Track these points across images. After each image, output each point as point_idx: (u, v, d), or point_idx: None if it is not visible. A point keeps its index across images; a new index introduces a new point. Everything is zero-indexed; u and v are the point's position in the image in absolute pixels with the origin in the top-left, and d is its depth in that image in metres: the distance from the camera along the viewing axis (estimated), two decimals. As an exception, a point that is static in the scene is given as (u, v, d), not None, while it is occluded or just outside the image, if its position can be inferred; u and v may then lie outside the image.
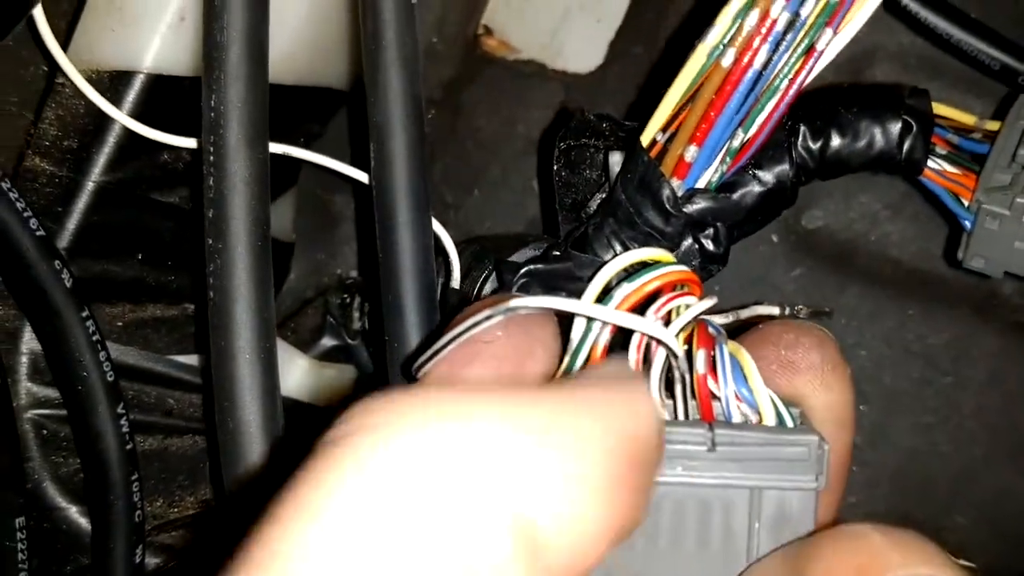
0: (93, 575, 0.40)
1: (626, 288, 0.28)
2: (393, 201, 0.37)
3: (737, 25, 0.32)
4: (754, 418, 0.27)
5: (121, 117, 0.41)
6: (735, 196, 0.35)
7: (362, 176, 0.43)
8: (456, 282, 0.44)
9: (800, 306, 0.43)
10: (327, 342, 0.48)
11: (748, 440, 0.26)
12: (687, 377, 0.27)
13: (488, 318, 0.25)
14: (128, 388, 0.42)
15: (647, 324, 0.27)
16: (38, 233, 0.37)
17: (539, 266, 0.37)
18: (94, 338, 0.38)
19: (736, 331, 0.31)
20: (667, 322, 0.28)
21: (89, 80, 0.41)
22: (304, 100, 0.48)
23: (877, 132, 0.37)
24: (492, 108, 0.56)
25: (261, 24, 0.36)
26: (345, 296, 0.50)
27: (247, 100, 0.36)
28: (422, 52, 0.55)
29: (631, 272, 0.29)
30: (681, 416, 0.27)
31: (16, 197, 0.36)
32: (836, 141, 0.37)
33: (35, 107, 0.45)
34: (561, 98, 0.55)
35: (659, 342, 0.27)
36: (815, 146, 0.37)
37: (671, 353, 0.27)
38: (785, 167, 0.36)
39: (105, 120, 0.41)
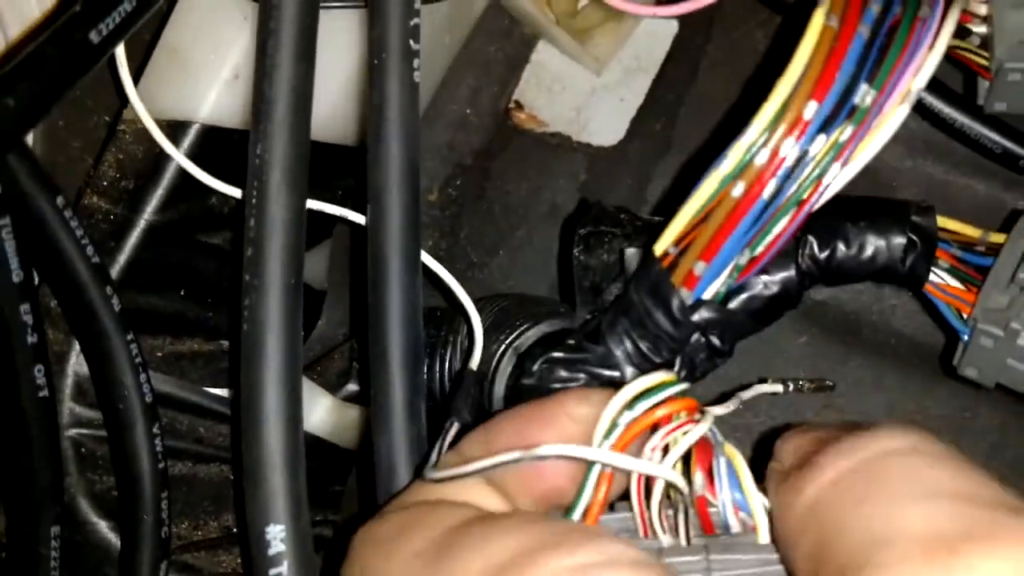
0: (119, 587, 0.43)
1: (627, 420, 0.30)
2: (386, 259, 0.40)
3: (748, 159, 0.34)
4: (751, 523, 0.28)
5: (181, 158, 0.45)
6: (742, 297, 0.39)
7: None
8: (476, 360, 0.46)
9: (803, 381, 0.45)
10: (352, 387, 0.51)
11: (742, 563, 0.27)
12: (688, 498, 0.28)
13: (517, 460, 0.28)
14: (163, 414, 0.46)
15: (660, 470, 0.28)
16: (93, 260, 0.41)
17: (559, 355, 0.41)
18: (136, 360, 0.42)
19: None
20: (666, 450, 0.29)
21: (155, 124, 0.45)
22: (340, 158, 0.52)
23: (882, 246, 0.39)
24: (520, 175, 0.60)
25: (306, 84, 0.40)
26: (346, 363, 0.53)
27: (290, 150, 0.39)
28: (456, 123, 0.60)
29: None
30: (682, 530, 0.28)
31: (76, 226, 0.40)
32: (841, 252, 0.40)
33: (95, 151, 0.50)
34: (585, 167, 0.59)
35: (670, 485, 0.29)
36: (821, 256, 0.40)
37: (676, 490, 0.28)
38: (791, 274, 0.39)
39: (161, 163, 0.46)
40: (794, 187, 0.35)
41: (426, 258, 0.44)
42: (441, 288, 0.48)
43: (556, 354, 0.41)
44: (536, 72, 0.61)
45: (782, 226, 0.36)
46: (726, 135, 0.36)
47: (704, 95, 0.58)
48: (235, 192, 0.47)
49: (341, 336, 0.57)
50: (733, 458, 0.28)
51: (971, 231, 0.42)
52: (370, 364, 0.40)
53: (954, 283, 0.40)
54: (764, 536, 0.27)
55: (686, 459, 0.29)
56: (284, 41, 0.39)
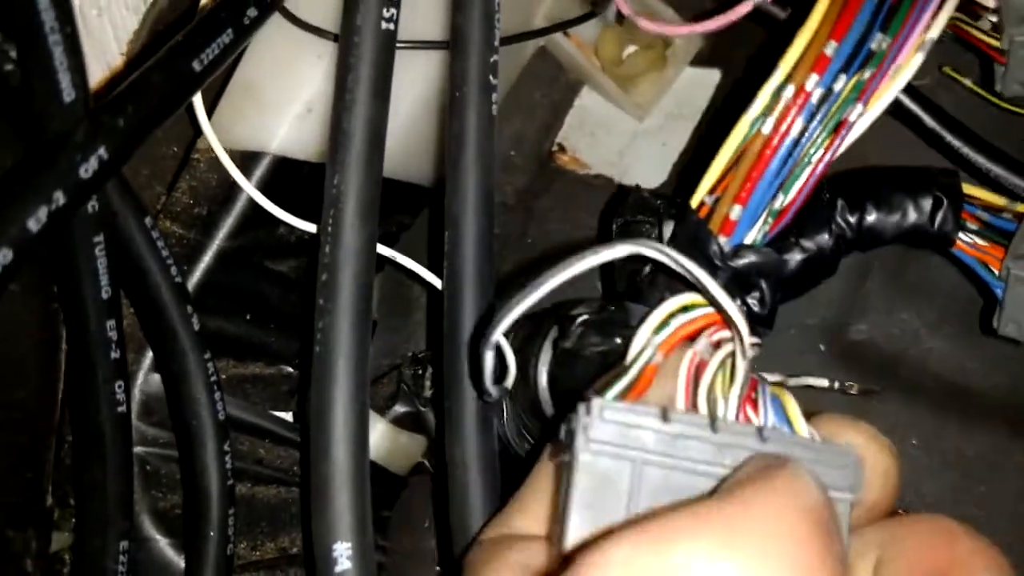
0: (181, 603, 0.44)
1: (680, 319, 0.31)
2: (461, 283, 0.42)
3: (775, 98, 0.37)
4: None
5: (250, 189, 0.47)
6: (781, 258, 0.40)
7: (433, 278, 0.49)
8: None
9: (851, 383, 0.47)
10: (399, 408, 0.53)
11: (796, 441, 0.27)
12: (740, 385, 0.28)
13: (613, 250, 0.30)
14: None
15: (731, 307, 0.29)
16: (176, 280, 0.43)
17: (594, 316, 0.41)
18: (212, 379, 0.43)
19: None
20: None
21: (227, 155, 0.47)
22: (399, 193, 0.55)
23: (910, 206, 0.41)
24: (562, 215, 0.62)
25: (381, 119, 0.43)
26: (418, 368, 0.55)
27: (363, 181, 0.42)
28: (500, 163, 0.62)
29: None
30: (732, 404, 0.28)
31: (162, 246, 0.42)
32: (872, 214, 0.41)
33: (164, 179, 0.52)
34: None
35: (730, 323, 0.29)
36: (852, 218, 0.41)
37: (739, 337, 0.29)
38: (825, 236, 0.41)
39: (233, 192, 0.48)
40: (821, 126, 0.37)
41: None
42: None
43: (591, 316, 0.41)
44: (580, 116, 0.64)
45: (811, 168, 0.38)
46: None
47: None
48: (301, 224, 0.49)
49: (386, 366, 0.59)
50: (782, 394, 0.29)
51: (997, 199, 0.43)
52: (444, 380, 0.42)
53: (983, 242, 0.42)
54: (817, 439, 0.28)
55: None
56: (362, 77, 0.41)
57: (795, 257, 0.40)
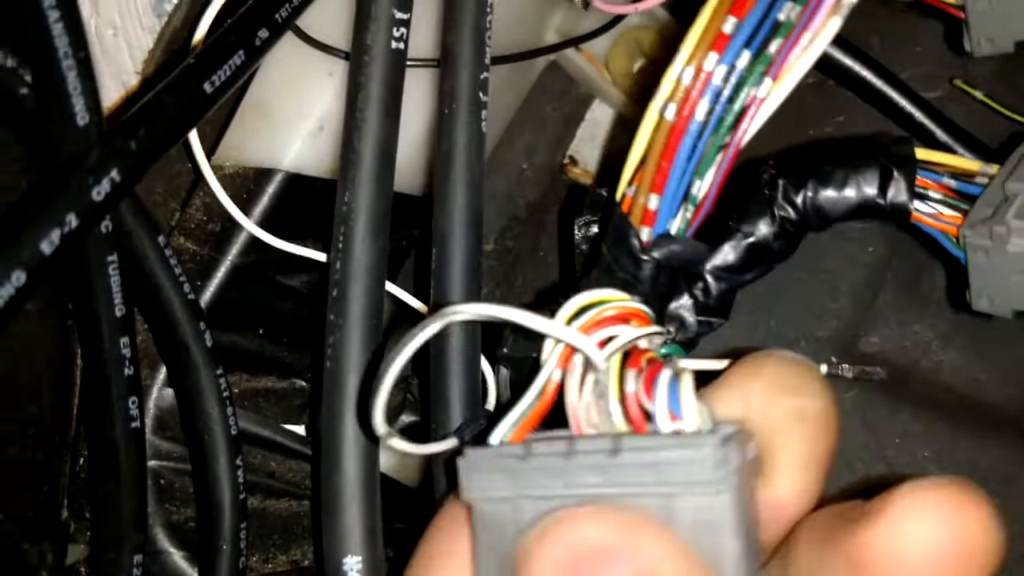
0: (194, 616, 0.45)
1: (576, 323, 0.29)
2: (448, 300, 0.42)
3: (678, 82, 0.36)
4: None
5: (250, 225, 0.48)
6: (721, 248, 0.39)
7: (418, 304, 0.49)
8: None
9: (845, 366, 0.46)
10: (406, 418, 0.54)
11: (654, 444, 0.25)
12: (609, 393, 0.27)
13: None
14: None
15: (564, 331, 0.27)
16: (189, 296, 0.43)
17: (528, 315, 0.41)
18: (224, 394, 0.44)
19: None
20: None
21: (236, 172, 0.48)
22: (409, 207, 0.55)
23: (857, 180, 0.39)
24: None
25: (391, 137, 0.43)
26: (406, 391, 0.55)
27: (375, 198, 0.42)
28: (512, 176, 0.62)
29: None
30: (595, 414, 0.27)
31: (175, 263, 0.43)
32: (816, 192, 0.40)
33: (178, 197, 0.53)
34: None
35: (574, 349, 0.27)
36: (797, 199, 0.40)
37: (588, 361, 0.27)
38: (767, 220, 0.40)
39: (246, 209, 0.48)
40: (727, 106, 0.36)
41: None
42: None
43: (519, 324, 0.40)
44: (591, 129, 0.64)
45: (724, 149, 0.36)
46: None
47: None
48: (307, 253, 0.49)
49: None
50: (681, 374, 0.26)
51: (969, 163, 0.40)
52: (431, 402, 0.42)
53: (948, 211, 0.39)
54: (688, 426, 0.26)
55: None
56: (372, 97, 0.42)
57: (737, 243, 0.40)
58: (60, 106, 0.35)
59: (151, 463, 0.47)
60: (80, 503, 0.47)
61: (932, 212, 0.39)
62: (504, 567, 0.27)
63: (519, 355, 0.42)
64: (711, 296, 0.40)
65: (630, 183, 0.38)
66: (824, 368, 0.39)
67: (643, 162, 0.38)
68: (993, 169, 0.39)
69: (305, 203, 0.49)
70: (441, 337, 0.42)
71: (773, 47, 0.36)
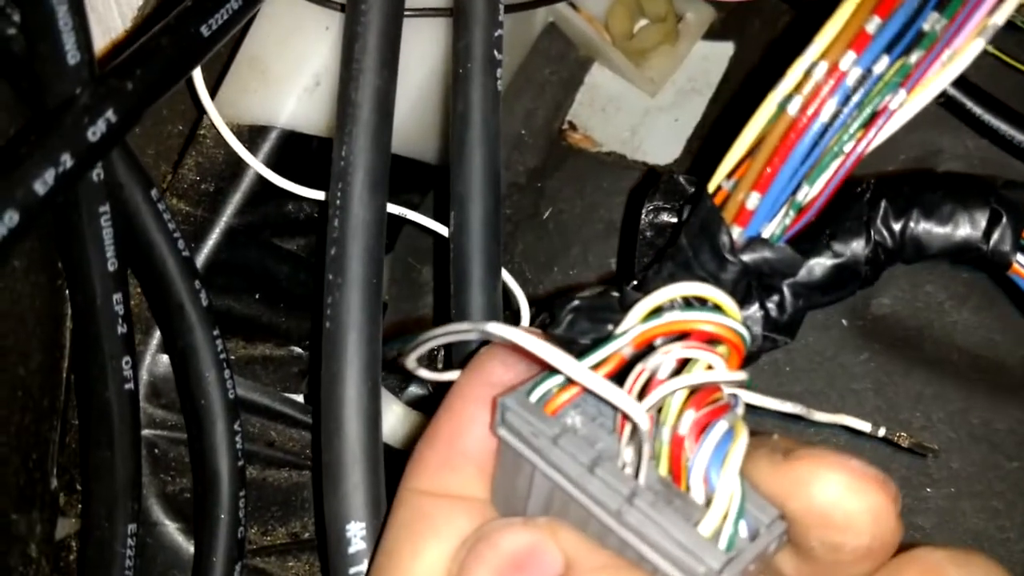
0: (192, 587, 0.43)
1: (649, 324, 0.28)
2: (468, 263, 0.41)
3: (807, 76, 0.33)
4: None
5: (257, 164, 0.46)
6: (806, 262, 0.36)
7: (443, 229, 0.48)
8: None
9: (902, 434, 0.43)
10: (414, 390, 0.52)
11: (657, 527, 0.25)
12: (663, 439, 0.27)
13: (465, 331, 0.29)
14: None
15: (615, 395, 0.26)
16: (184, 253, 0.42)
17: (587, 300, 0.39)
18: (221, 357, 0.43)
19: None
20: (679, 370, 0.27)
21: (231, 132, 0.47)
22: (408, 171, 0.54)
23: (963, 218, 0.37)
24: (574, 193, 0.61)
25: (389, 89, 0.42)
26: (433, 348, 0.54)
27: (373, 153, 0.41)
28: (511, 142, 0.61)
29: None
30: (633, 457, 0.27)
31: (168, 219, 0.42)
32: (918, 223, 0.37)
33: (170, 160, 0.51)
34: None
35: (626, 416, 0.26)
36: (896, 225, 0.37)
37: (635, 426, 0.26)
38: (862, 242, 0.37)
39: (240, 168, 0.47)
40: (856, 111, 0.33)
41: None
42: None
43: (581, 302, 0.38)
44: (590, 93, 0.63)
45: (841, 159, 0.34)
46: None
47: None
48: (312, 194, 0.48)
49: (396, 350, 0.58)
50: (737, 433, 0.26)
51: None
52: (452, 362, 0.41)
53: None
54: (707, 524, 0.25)
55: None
56: (370, 46, 0.41)
57: (824, 261, 0.37)
58: (50, 44, 0.34)
59: (145, 432, 0.45)
60: (71, 475, 0.46)
61: None
62: (512, 495, 0.29)
63: (571, 337, 0.40)
64: (785, 312, 0.37)
65: (729, 175, 0.35)
66: (867, 428, 0.37)
67: (750, 155, 0.35)
68: None
69: (301, 162, 0.48)
70: (463, 300, 0.41)
71: (914, 57, 0.34)
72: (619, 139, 0.62)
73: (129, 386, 0.41)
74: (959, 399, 0.53)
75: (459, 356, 0.41)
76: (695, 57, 0.61)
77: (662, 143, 0.61)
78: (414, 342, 0.32)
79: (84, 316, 0.39)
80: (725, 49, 0.61)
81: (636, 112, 0.62)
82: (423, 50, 0.50)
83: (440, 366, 0.54)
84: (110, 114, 0.34)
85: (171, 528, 0.46)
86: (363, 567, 0.37)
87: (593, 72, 0.63)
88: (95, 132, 0.33)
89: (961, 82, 0.51)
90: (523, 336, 0.27)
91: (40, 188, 0.31)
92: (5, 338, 0.41)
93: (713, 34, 0.61)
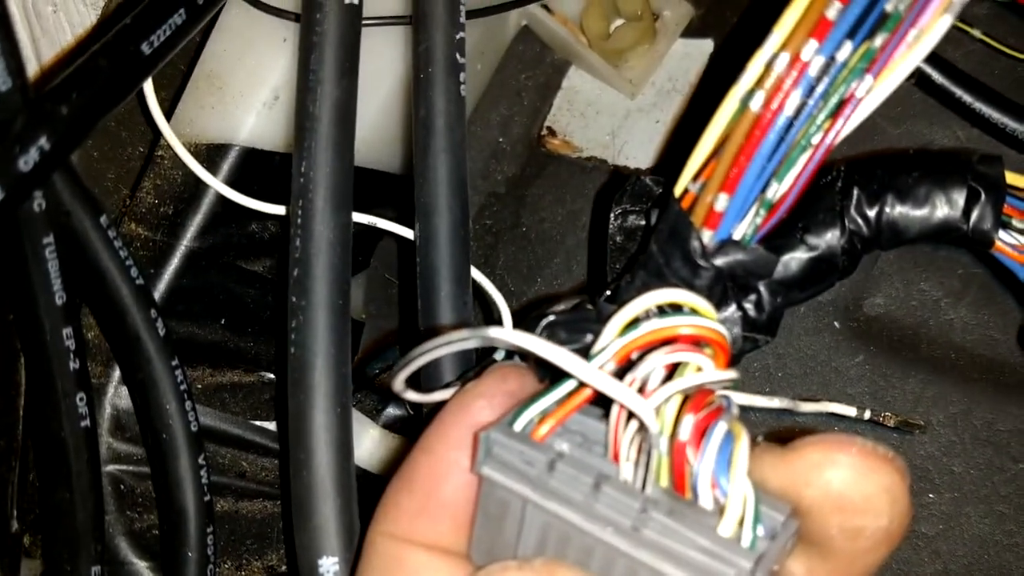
0: (162, 630, 0.42)
1: (628, 336, 0.27)
2: (436, 276, 0.40)
3: (767, 69, 0.32)
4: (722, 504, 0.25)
5: (217, 184, 0.45)
6: (782, 258, 0.35)
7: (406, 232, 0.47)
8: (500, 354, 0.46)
9: (887, 413, 0.42)
10: (392, 411, 0.51)
11: (678, 536, 0.25)
12: (661, 450, 0.26)
13: (464, 339, 0.27)
14: (205, 448, 0.45)
15: (624, 393, 0.25)
16: (137, 282, 0.40)
17: (564, 315, 0.37)
18: (182, 387, 0.41)
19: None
20: (669, 377, 0.26)
21: (189, 149, 0.45)
22: (377, 185, 0.52)
23: (940, 199, 0.35)
24: (556, 201, 0.59)
25: (350, 100, 0.41)
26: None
27: (335, 168, 0.40)
28: (488, 151, 0.60)
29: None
30: (640, 471, 0.26)
31: (120, 246, 0.40)
32: (893, 207, 0.36)
33: (130, 183, 0.50)
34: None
35: (632, 415, 0.26)
36: (871, 212, 0.36)
37: (643, 427, 0.26)
38: (836, 232, 0.35)
39: (200, 189, 0.46)
40: (821, 102, 0.32)
41: (473, 272, 0.43)
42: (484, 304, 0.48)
43: (558, 316, 0.37)
44: (568, 98, 0.62)
45: (810, 151, 0.33)
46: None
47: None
48: (276, 210, 0.46)
49: (377, 369, 0.57)
50: (737, 434, 0.26)
51: None
52: (421, 380, 0.40)
53: None
54: (726, 527, 0.25)
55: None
56: (327, 56, 0.39)
57: (799, 256, 0.35)
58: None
59: (109, 467, 0.44)
60: (35, 514, 0.44)
61: (1015, 243, 0.36)
62: (497, 543, 0.27)
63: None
64: (763, 312, 0.35)
65: (695, 177, 0.34)
66: (852, 412, 0.36)
67: (715, 155, 0.33)
68: None
69: (264, 179, 0.46)
70: (431, 314, 0.40)
71: (878, 40, 0.32)
72: (600, 143, 0.60)
73: (85, 423, 0.39)
74: (960, 401, 0.51)
75: (436, 375, 0.40)
76: (674, 56, 0.59)
77: (643, 146, 0.59)
78: (403, 361, 0.30)
79: (34, 353, 0.38)
80: (705, 47, 0.59)
81: (616, 115, 0.61)
82: (386, 57, 0.49)
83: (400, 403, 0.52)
84: (43, 141, 0.32)
85: (140, 567, 0.44)
86: (338, 603, 0.35)
87: (570, 75, 0.62)
88: (27, 161, 0.32)
89: (949, 70, 0.50)
90: (529, 339, 0.26)
91: (-33, 223, 0.30)
92: (-46, 378, 0.39)
93: (692, 31, 0.60)
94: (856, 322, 0.53)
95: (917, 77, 0.50)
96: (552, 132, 0.62)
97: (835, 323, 0.53)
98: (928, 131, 0.53)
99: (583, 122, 0.61)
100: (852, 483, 0.25)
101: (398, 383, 0.32)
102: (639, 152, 0.59)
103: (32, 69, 0.46)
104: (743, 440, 0.25)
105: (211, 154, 0.46)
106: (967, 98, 0.50)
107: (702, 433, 0.26)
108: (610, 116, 0.61)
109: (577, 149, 0.61)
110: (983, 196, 0.35)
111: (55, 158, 0.33)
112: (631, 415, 0.26)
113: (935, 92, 0.50)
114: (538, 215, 0.60)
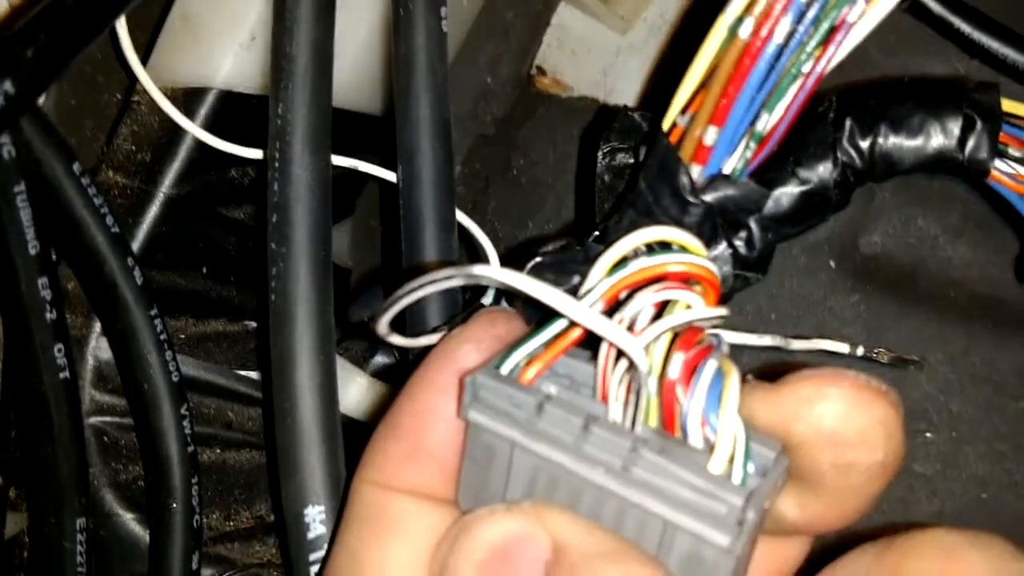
0: (150, 580, 0.42)
1: (617, 275, 0.27)
2: (420, 219, 0.40)
3: None
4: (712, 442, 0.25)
5: (193, 128, 0.44)
6: (774, 193, 0.35)
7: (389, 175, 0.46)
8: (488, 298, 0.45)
9: (880, 349, 0.41)
10: (380, 359, 0.51)
11: (668, 475, 0.25)
12: (651, 389, 0.26)
13: (448, 277, 0.27)
14: (189, 399, 0.44)
15: (614, 332, 0.25)
16: (113, 230, 0.40)
17: (551, 255, 0.37)
18: (161, 337, 0.41)
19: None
20: (658, 316, 0.27)
21: (165, 94, 0.44)
22: (360, 127, 0.51)
23: (935, 128, 0.35)
24: (547, 143, 0.58)
25: (327, 39, 0.40)
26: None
27: (312, 109, 0.39)
28: (477, 92, 0.59)
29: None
30: (629, 410, 0.26)
31: (94, 193, 0.39)
32: (887, 138, 0.35)
33: (107, 131, 0.49)
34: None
35: (621, 353, 0.26)
36: (864, 143, 0.35)
37: (632, 366, 0.26)
38: (828, 165, 0.35)
39: (178, 134, 0.45)
40: (812, 28, 0.32)
41: (460, 215, 0.43)
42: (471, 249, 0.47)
43: (545, 256, 0.37)
44: (558, 35, 0.61)
45: (801, 80, 0.32)
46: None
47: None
48: (256, 155, 0.46)
49: (366, 316, 0.56)
50: (727, 372, 0.25)
51: None
52: (406, 324, 0.39)
53: None
54: (716, 465, 0.25)
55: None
56: (304, -6, 0.38)
57: (791, 190, 0.35)
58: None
59: (92, 419, 0.44)
60: (19, 468, 0.44)
61: (1012, 172, 0.36)
62: (485, 488, 0.28)
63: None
64: (754, 249, 0.35)
65: (683, 110, 0.34)
66: (844, 348, 0.36)
67: (703, 86, 0.33)
68: None
69: (243, 123, 0.46)
70: (416, 259, 0.39)
71: None
72: (591, 82, 0.60)
73: (64, 375, 0.39)
74: (958, 339, 0.50)
75: (421, 319, 0.39)
76: (666, -10, 0.58)
77: (635, 85, 0.59)
78: (387, 303, 0.30)
79: (9, 305, 0.38)
80: (697, -21, 0.58)
81: (607, 52, 0.60)
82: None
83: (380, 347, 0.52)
84: (7, 85, 0.32)
85: (126, 519, 0.44)
86: (324, 552, 0.35)
87: (560, 12, 0.61)
88: (-11, 106, 0.31)
89: (946, -1, 0.49)
90: (516, 277, 0.26)
91: (-72, 170, 0.29)
92: (-72, 333, 0.39)
93: (684, -36, 0.59)
94: (852, 261, 0.52)
95: (912, 4, 0.49)
96: (542, 71, 0.61)
97: (830, 262, 0.52)
98: (924, 62, 0.52)
99: (573, 60, 0.60)
100: (844, 417, 0.25)
101: (382, 326, 0.31)
102: (630, 90, 0.59)
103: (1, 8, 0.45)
104: (733, 377, 0.25)
105: (188, 98, 0.45)
106: (965, 28, 0.48)
107: (692, 371, 0.25)
108: (601, 54, 0.60)
109: (568, 88, 0.60)
110: (979, 124, 0.35)
111: (19, 102, 0.33)
112: (620, 354, 0.26)
113: (931, 21, 0.49)
114: (529, 158, 0.59)
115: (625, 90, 0.59)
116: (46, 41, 0.33)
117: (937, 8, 0.49)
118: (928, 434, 0.51)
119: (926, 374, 0.51)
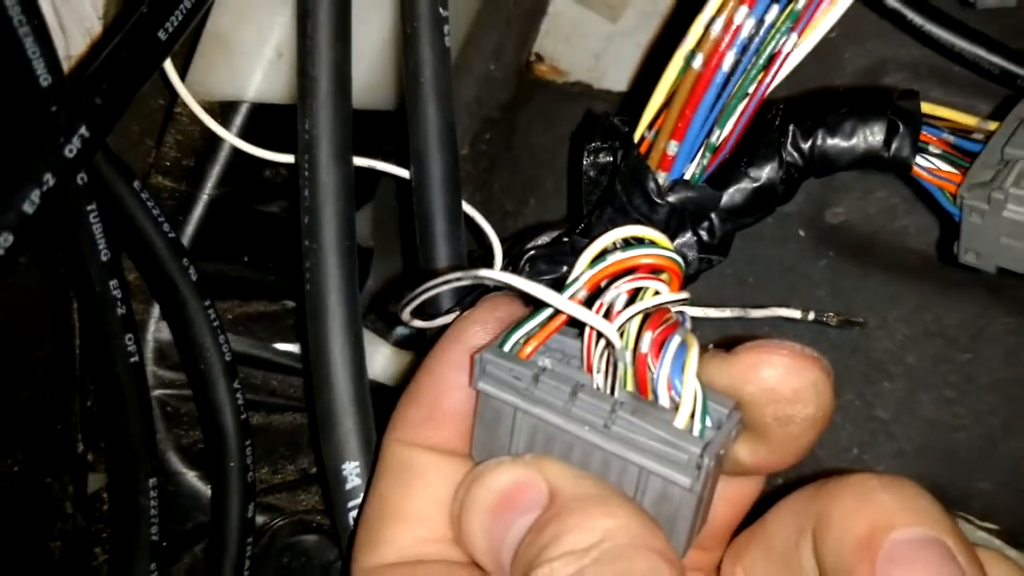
0: (212, 529, 0.49)
1: (597, 267, 0.32)
2: (431, 215, 0.45)
3: (706, 32, 0.37)
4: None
5: (231, 138, 0.50)
6: (729, 190, 0.41)
7: (400, 171, 0.52)
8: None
9: (830, 313, 0.48)
10: (401, 331, 0.57)
11: (640, 430, 0.30)
12: (626, 361, 0.31)
13: (459, 279, 0.33)
14: (238, 371, 0.52)
15: (593, 318, 0.31)
16: (169, 235, 0.47)
17: (543, 249, 0.43)
18: (215, 324, 0.48)
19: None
20: (631, 300, 0.32)
21: (203, 109, 0.51)
22: (382, 123, 0.58)
23: (863, 132, 0.41)
24: (545, 126, 0.64)
25: (344, 60, 0.45)
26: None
27: (335, 123, 0.44)
28: (481, 79, 0.64)
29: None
30: (609, 378, 0.31)
31: (152, 205, 0.46)
32: (824, 141, 0.42)
33: (154, 134, 0.55)
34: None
35: (600, 334, 0.31)
36: (804, 146, 0.42)
37: (609, 344, 0.31)
38: (775, 165, 0.41)
39: (216, 142, 0.51)
40: (753, 58, 0.37)
41: (465, 206, 0.49)
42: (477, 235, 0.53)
43: (537, 250, 0.43)
44: (554, 23, 0.66)
45: (745, 102, 0.38)
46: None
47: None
48: (286, 159, 0.52)
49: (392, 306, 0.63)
50: (689, 344, 0.30)
51: (967, 119, 0.42)
52: (424, 307, 0.45)
53: (945, 167, 0.41)
54: (680, 420, 0.30)
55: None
56: (322, 21, 0.44)
57: (744, 187, 0.41)
58: (22, 72, 0.38)
59: (156, 392, 0.51)
60: (97, 436, 0.52)
61: (930, 167, 0.41)
62: (494, 444, 0.33)
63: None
64: (715, 236, 0.42)
65: (650, 126, 0.40)
66: (798, 314, 0.42)
67: (666, 107, 0.39)
68: (990, 126, 0.42)
69: (274, 129, 0.52)
70: (428, 250, 0.45)
71: (801, 2, 0.37)
72: (584, 67, 0.65)
73: (134, 359, 0.46)
74: (913, 298, 0.57)
75: (437, 304, 0.46)
76: (652, -20, 0.63)
77: (626, 70, 0.64)
78: (410, 296, 0.36)
79: (86, 303, 0.44)
80: (680, -29, 0.63)
81: (599, 39, 0.65)
82: (378, 6, 0.53)
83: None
84: (83, 130, 0.38)
85: (190, 476, 0.51)
86: (360, 500, 0.42)
87: (555, 1, 0.66)
88: (71, 149, 0.37)
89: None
90: (513, 278, 0.32)
91: (28, 208, 0.36)
92: (20, 327, 0.46)
93: (669, -45, 0.63)
94: (819, 230, 0.58)
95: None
96: (540, 58, 0.66)
97: (800, 232, 0.59)
98: (884, 51, 0.57)
99: (568, 47, 0.66)
100: (783, 379, 0.30)
101: (405, 315, 0.38)
102: (621, 75, 0.64)
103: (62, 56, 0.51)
104: (694, 349, 0.31)
105: (224, 111, 0.51)
106: (918, 20, 0.54)
107: (660, 345, 0.31)
108: (593, 40, 0.65)
109: (563, 74, 0.66)
110: (901, 128, 0.41)
111: (94, 143, 0.39)
112: (600, 334, 0.32)
113: (889, 14, 0.54)
114: (528, 140, 0.65)
115: (615, 74, 0.64)
116: (109, 89, 0.39)
117: (891, 2, 0.54)
118: (886, 383, 0.57)
119: (885, 330, 0.57)
